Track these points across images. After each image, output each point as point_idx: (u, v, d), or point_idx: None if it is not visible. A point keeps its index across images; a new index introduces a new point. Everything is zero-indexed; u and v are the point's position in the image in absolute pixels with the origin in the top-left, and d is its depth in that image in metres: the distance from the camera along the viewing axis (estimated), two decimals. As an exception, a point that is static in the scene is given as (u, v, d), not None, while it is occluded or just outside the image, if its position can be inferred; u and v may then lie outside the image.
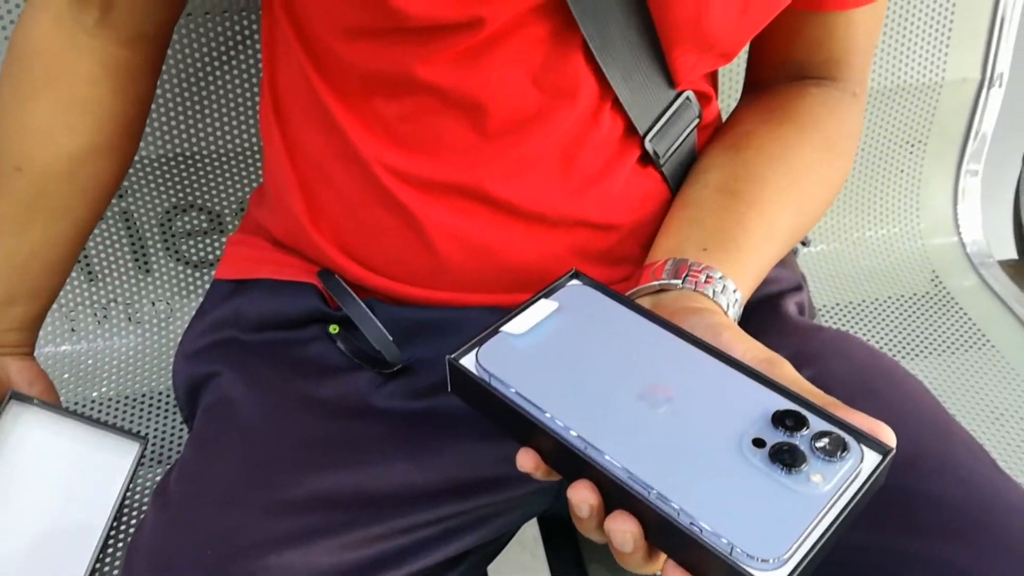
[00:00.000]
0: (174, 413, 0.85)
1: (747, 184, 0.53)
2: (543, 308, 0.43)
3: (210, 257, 0.90)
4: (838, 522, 0.33)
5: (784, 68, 0.60)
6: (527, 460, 0.39)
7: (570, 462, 0.37)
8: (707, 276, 0.46)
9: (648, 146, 0.54)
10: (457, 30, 0.47)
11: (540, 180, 0.52)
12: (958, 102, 1.02)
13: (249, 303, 0.60)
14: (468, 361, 0.41)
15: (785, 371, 0.39)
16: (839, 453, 0.34)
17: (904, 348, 0.97)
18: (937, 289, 1.04)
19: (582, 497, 0.36)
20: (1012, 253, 1.12)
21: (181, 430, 0.83)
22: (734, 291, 0.46)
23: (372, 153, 0.53)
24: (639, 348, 0.41)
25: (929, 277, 1.05)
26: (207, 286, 0.76)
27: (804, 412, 0.36)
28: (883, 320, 1.01)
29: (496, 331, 0.42)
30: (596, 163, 0.53)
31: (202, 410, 0.57)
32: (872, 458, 0.35)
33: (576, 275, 0.46)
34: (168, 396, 0.87)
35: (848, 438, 0.35)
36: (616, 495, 0.35)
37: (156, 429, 0.83)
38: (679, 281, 0.46)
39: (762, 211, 0.51)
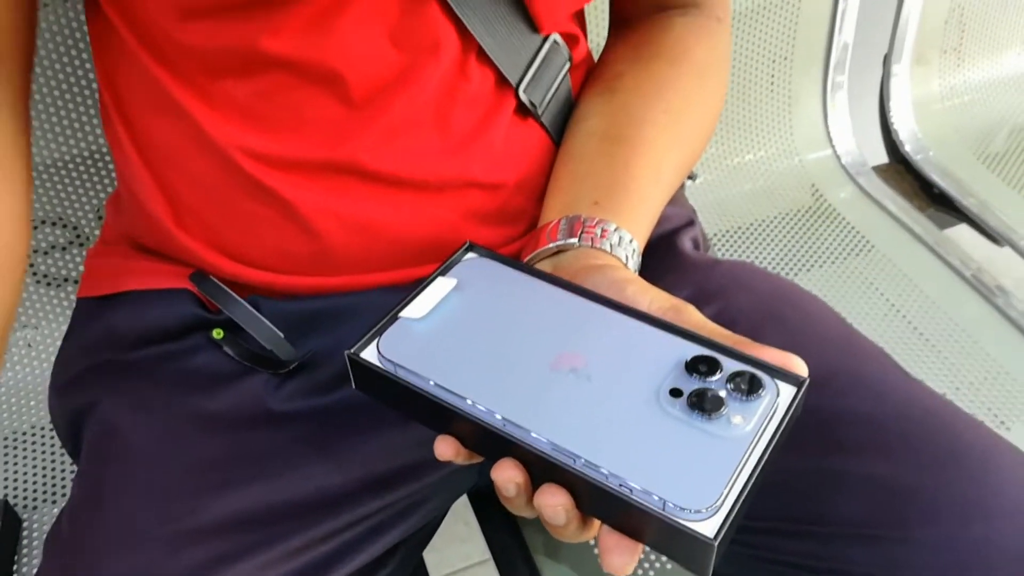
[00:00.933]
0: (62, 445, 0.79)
1: (628, 128, 0.52)
2: (441, 287, 0.41)
3: (73, 274, 0.84)
4: (764, 459, 0.33)
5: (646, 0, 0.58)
6: (446, 448, 0.37)
7: (491, 443, 0.35)
8: (602, 230, 0.45)
9: (523, 96, 0.52)
10: None
11: (416, 145, 0.50)
12: (817, 12, 1.04)
13: (120, 319, 0.55)
14: (369, 353, 0.39)
15: (692, 316, 0.38)
16: (755, 391, 0.34)
17: (794, 264, 1.00)
18: (818, 203, 1.07)
19: (508, 477, 0.34)
20: (883, 157, 1.16)
21: (73, 462, 0.78)
22: (631, 241, 0.46)
23: (229, 139, 0.49)
24: (545, 315, 0.39)
25: (809, 192, 1.08)
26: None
27: (716, 355, 0.36)
28: (770, 239, 1.04)
29: (395, 317, 0.40)
30: (471, 119, 0.51)
31: (87, 444, 0.53)
32: (787, 391, 0.35)
33: (471, 247, 0.44)
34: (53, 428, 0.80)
35: (761, 375, 0.35)
36: (542, 469, 0.34)
37: (44, 465, 0.78)
38: (575, 239, 0.45)
39: (647, 153, 0.51)
